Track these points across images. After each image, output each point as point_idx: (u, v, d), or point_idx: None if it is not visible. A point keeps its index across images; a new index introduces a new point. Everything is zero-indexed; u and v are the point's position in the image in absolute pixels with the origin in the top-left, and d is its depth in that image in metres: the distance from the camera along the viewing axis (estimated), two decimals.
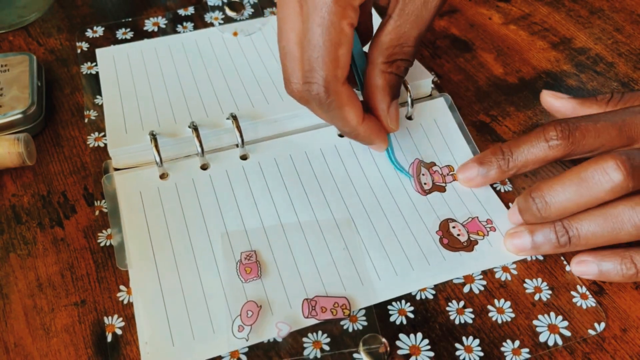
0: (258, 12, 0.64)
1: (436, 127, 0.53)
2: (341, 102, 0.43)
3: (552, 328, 0.42)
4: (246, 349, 0.40)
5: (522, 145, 0.45)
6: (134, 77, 0.57)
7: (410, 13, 0.43)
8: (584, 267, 0.43)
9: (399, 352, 0.41)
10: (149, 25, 0.63)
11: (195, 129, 0.49)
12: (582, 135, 0.43)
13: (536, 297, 0.43)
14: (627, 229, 0.40)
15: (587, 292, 0.43)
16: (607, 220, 0.40)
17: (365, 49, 0.47)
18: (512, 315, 0.42)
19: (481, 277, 0.44)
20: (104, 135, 0.52)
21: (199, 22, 0.63)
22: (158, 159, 0.48)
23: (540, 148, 0.44)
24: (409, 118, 0.54)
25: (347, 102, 0.43)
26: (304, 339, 0.41)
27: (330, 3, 0.40)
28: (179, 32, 0.62)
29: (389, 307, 0.43)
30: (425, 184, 0.49)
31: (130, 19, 0.63)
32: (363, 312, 0.42)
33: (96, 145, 0.52)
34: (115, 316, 0.42)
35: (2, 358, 0.40)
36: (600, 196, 0.40)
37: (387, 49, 0.44)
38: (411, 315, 0.42)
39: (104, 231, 0.46)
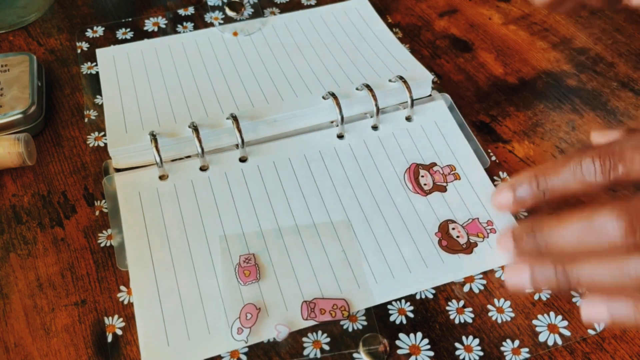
0: (258, 12, 0.64)
1: (436, 128, 0.53)
2: None
3: (552, 328, 0.42)
4: (246, 349, 0.40)
5: (560, 175, 0.41)
6: (134, 77, 0.57)
7: None
8: (593, 312, 0.39)
9: (399, 351, 0.41)
10: (149, 25, 0.63)
11: (195, 129, 0.49)
12: (625, 170, 0.38)
13: (536, 297, 0.43)
14: (631, 281, 0.36)
15: (587, 292, 0.43)
16: (609, 270, 0.36)
17: None
18: (512, 314, 0.42)
19: (481, 276, 0.44)
20: (104, 135, 0.52)
21: (199, 22, 0.63)
22: (158, 160, 0.48)
23: (577, 182, 0.40)
24: (408, 119, 0.53)
25: None
26: (304, 339, 0.41)
27: None
28: (179, 32, 0.62)
29: (389, 306, 0.43)
30: (425, 184, 0.49)
31: (130, 19, 0.63)
32: (363, 312, 0.42)
33: (96, 144, 0.52)
34: (116, 316, 0.42)
35: (2, 358, 0.40)
36: (602, 247, 0.37)
37: None
38: (411, 315, 0.42)
39: (104, 232, 0.46)
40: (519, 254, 0.41)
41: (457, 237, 0.46)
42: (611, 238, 0.36)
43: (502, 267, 0.45)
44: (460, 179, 0.50)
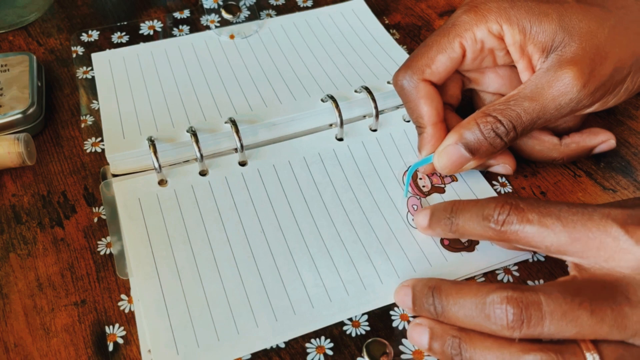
0: (254, 15, 0.64)
1: None
2: (416, 94, 0.48)
3: None
4: (249, 355, 0.40)
5: (467, 215, 0.41)
6: (130, 81, 0.57)
7: (538, 95, 0.44)
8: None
9: (403, 356, 0.41)
10: (144, 28, 0.63)
11: (193, 133, 0.49)
12: (526, 218, 0.38)
13: None
14: None
15: None
16: (500, 358, 0.36)
17: None
18: None
19: (483, 279, 0.44)
20: (101, 140, 0.52)
21: (195, 25, 0.63)
22: (157, 165, 0.48)
23: (482, 227, 0.40)
24: (406, 120, 0.54)
25: (423, 96, 0.47)
26: (307, 344, 0.41)
27: (461, 14, 0.47)
28: (175, 36, 0.62)
29: (391, 312, 0.43)
30: (423, 186, 0.49)
31: (125, 23, 0.63)
32: (366, 317, 0.42)
33: (93, 150, 0.52)
34: (117, 325, 0.42)
35: (2, 358, 0.40)
36: (494, 330, 0.36)
37: (493, 104, 0.45)
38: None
39: (102, 239, 0.46)
40: (417, 312, 0.41)
41: None
42: (501, 324, 0.35)
43: (505, 269, 0.45)
44: (457, 180, 0.50)
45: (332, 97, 0.52)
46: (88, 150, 0.52)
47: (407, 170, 0.50)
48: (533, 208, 0.38)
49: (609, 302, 0.35)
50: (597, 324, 0.34)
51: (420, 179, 0.50)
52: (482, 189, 0.50)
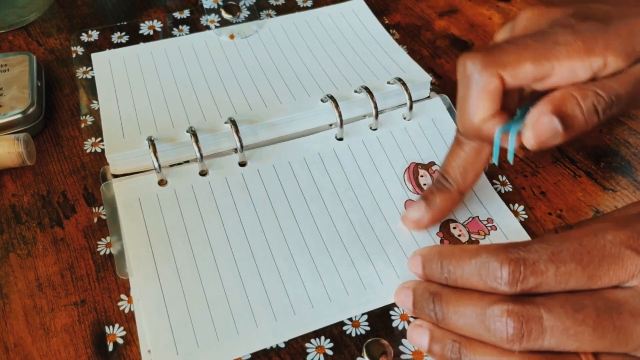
0: (254, 15, 0.64)
1: (434, 127, 0.53)
2: (469, 83, 0.39)
3: None
4: (249, 356, 0.40)
5: (465, 268, 0.37)
6: (130, 81, 0.56)
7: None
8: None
9: (402, 357, 0.41)
10: (144, 28, 0.63)
11: (193, 133, 0.49)
12: (537, 282, 0.35)
13: None
14: None
15: None
16: None
17: None
18: None
19: None
20: (101, 140, 0.52)
21: (195, 25, 0.63)
22: (157, 165, 0.48)
23: (481, 282, 0.37)
24: (406, 118, 0.54)
25: (475, 87, 0.39)
26: (307, 344, 0.41)
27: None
28: (175, 36, 0.62)
29: (391, 312, 0.43)
30: (424, 185, 0.49)
31: (125, 23, 0.63)
32: (365, 317, 0.42)
33: (93, 150, 0.52)
34: (117, 325, 0.42)
35: (2, 358, 0.40)
36: (493, 341, 0.35)
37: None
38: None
39: (102, 239, 0.46)
40: (417, 314, 0.40)
41: (459, 235, 0.46)
42: (501, 336, 0.35)
43: None
44: None
45: (331, 97, 0.52)
46: (88, 150, 0.52)
47: (499, 130, 0.40)
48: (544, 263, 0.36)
49: (612, 316, 0.34)
50: (598, 339, 0.34)
51: (422, 176, 0.50)
52: (483, 189, 0.50)
